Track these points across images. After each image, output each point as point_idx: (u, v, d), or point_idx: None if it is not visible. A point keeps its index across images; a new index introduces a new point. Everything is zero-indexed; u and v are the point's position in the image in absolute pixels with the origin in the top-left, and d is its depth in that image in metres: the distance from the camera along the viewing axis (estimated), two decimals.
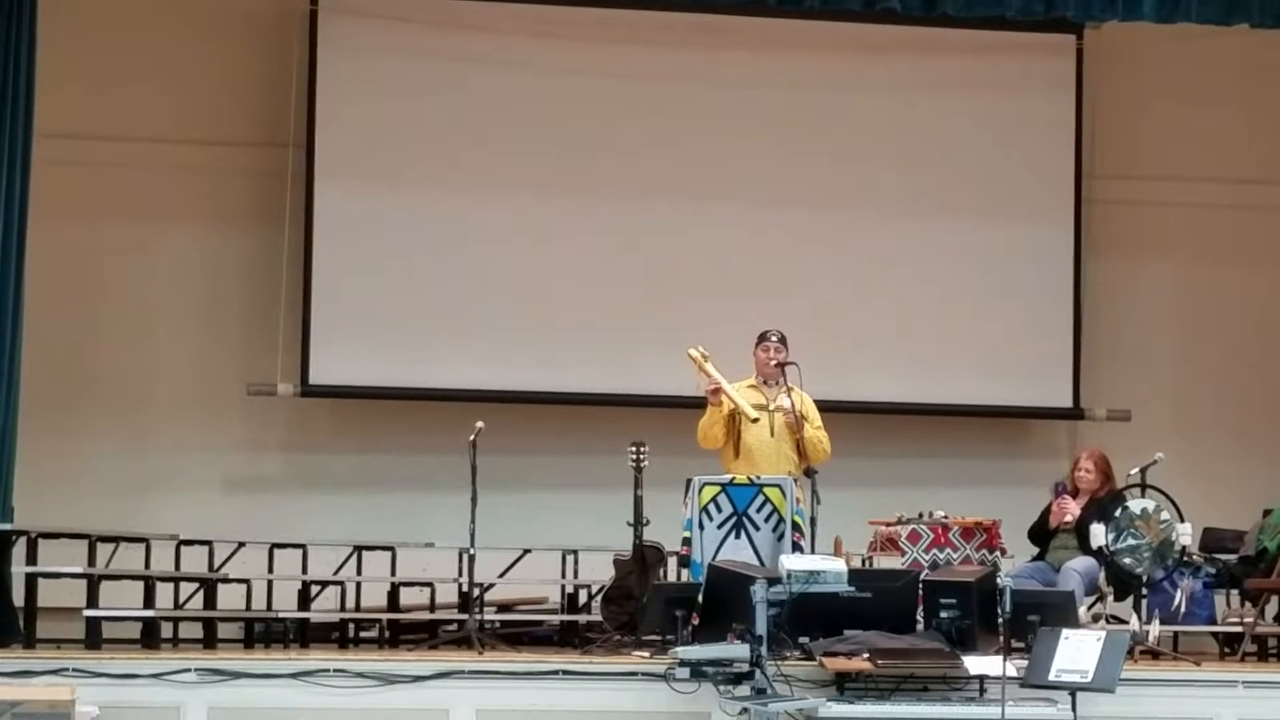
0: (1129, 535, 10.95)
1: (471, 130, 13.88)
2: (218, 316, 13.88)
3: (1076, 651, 9.52)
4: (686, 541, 10.87)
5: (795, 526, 10.78)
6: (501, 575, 12.75)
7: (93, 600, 10.79)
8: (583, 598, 12.85)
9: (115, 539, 11.69)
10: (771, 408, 11.16)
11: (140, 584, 11.34)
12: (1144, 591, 11.06)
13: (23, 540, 10.96)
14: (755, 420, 11.05)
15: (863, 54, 14.21)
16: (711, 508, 10.81)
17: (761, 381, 11.31)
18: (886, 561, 11.55)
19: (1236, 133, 14.75)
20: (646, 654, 10.24)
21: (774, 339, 11.28)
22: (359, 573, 12.59)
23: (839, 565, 9.75)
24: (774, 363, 11.20)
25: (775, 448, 11.09)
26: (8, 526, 10.85)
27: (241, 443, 13.90)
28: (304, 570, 12.40)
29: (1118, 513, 10.98)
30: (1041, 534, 11.67)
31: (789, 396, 11.15)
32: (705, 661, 9.51)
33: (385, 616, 12.53)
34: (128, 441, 13.67)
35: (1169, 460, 11.40)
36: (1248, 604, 12.22)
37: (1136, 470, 11.41)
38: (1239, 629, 11.85)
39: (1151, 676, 10.24)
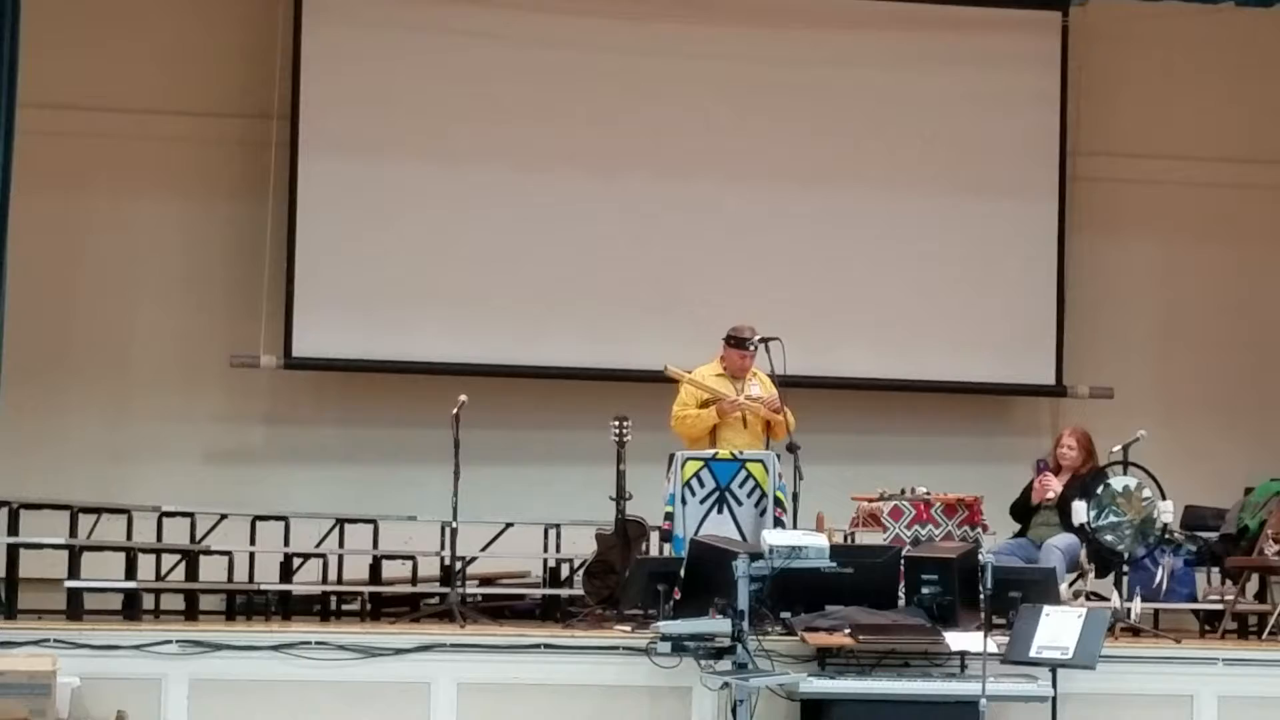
0: (1110, 512, 10.96)
1: (456, 102, 13.83)
2: (200, 288, 13.83)
3: (1057, 628, 9.54)
4: (669, 516, 10.89)
5: (778, 502, 10.79)
6: (484, 549, 12.73)
7: (74, 571, 10.78)
8: (565, 572, 12.84)
9: (97, 510, 11.67)
10: (742, 398, 11.20)
11: (122, 555, 11.34)
12: (1125, 569, 11.08)
13: (4, 511, 10.97)
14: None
15: (848, 29, 14.18)
16: (694, 483, 10.82)
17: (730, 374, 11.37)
18: (868, 537, 11.56)
19: (1222, 111, 14.73)
20: (628, 628, 10.23)
21: (752, 349, 11.24)
22: (341, 545, 12.59)
23: (821, 540, 9.77)
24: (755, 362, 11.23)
25: (748, 443, 11.11)
26: None
27: (224, 415, 13.87)
28: (286, 543, 12.40)
29: (1099, 490, 10.99)
30: (1023, 511, 11.67)
31: (758, 386, 11.24)
32: (687, 636, 9.52)
33: (367, 589, 12.50)
34: (110, 413, 13.65)
35: (1151, 438, 11.42)
36: (1228, 582, 12.26)
37: (1118, 447, 11.42)
38: (1219, 607, 11.89)
39: (1132, 653, 10.27)
